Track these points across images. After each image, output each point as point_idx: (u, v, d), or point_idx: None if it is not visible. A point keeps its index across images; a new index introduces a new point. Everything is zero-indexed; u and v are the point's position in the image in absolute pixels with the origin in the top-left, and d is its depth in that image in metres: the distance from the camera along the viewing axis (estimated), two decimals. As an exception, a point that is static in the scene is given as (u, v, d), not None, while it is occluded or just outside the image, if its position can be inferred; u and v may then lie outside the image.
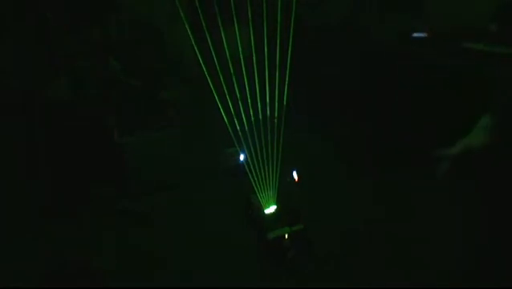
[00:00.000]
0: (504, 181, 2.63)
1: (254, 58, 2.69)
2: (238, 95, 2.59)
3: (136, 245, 2.65)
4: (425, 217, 2.75)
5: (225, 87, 2.54)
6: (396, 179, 3.15)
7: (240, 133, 2.57)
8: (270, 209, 2.58)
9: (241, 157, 2.71)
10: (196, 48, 2.53)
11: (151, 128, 3.51)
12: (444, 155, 2.07)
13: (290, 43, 2.70)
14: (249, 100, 2.59)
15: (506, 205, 2.64)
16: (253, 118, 2.62)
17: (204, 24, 2.60)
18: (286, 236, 2.44)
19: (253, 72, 2.63)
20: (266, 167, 2.58)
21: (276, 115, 2.65)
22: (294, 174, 2.68)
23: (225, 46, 2.65)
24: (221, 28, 2.64)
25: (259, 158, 2.58)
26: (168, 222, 2.87)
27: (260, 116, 2.63)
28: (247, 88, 2.62)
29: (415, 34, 3.34)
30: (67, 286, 2.42)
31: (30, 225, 2.89)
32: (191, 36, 2.53)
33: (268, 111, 2.65)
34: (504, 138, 2.49)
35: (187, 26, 2.52)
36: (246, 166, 2.55)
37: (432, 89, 3.20)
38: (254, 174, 2.56)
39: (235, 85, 2.58)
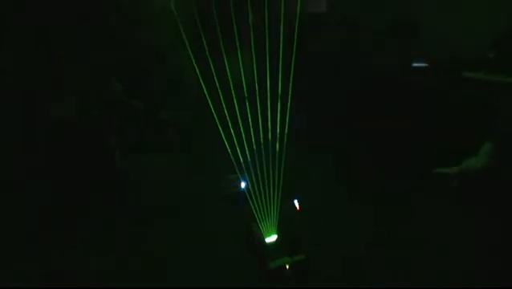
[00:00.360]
0: (503, 203, 2.67)
1: (256, 83, 2.71)
2: (240, 121, 2.60)
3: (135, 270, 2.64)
4: (427, 246, 2.75)
5: (226, 113, 2.56)
6: (397, 204, 3.16)
7: (241, 160, 2.57)
8: (271, 238, 2.57)
9: (243, 185, 2.70)
10: (197, 71, 2.55)
11: (151, 149, 3.52)
12: (445, 174, 2.13)
13: (292, 70, 2.72)
14: (251, 126, 2.61)
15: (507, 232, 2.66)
16: (254, 145, 2.63)
17: (206, 47, 2.63)
18: (287, 266, 2.43)
19: (256, 98, 2.65)
20: (268, 195, 2.58)
21: (277, 142, 2.66)
22: (296, 203, 2.68)
23: (227, 69, 2.67)
24: (223, 51, 2.67)
25: (260, 185, 2.58)
26: (167, 249, 2.85)
27: (261, 143, 2.64)
28: (249, 114, 2.63)
29: (415, 64, 3.37)
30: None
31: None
32: (193, 58, 2.56)
33: (270, 138, 2.67)
34: (503, 163, 2.52)
35: (189, 48, 2.54)
36: (247, 193, 2.54)
37: (432, 117, 3.23)
38: (255, 202, 2.56)
39: (237, 110, 2.60)
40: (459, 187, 2.62)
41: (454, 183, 2.27)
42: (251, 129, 2.62)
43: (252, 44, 2.74)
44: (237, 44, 2.74)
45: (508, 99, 2.95)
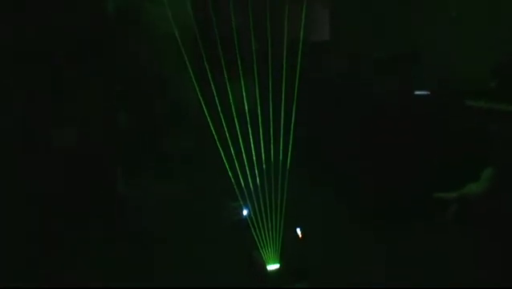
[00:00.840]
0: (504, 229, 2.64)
1: (259, 110, 2.73)
2: (243, 148, 2.61)
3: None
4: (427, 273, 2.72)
5: (229, 140, 2.57)
6: (398, 236, 3.12)
7: (243, 186, 2.57)
8: (273, 266, 2.54)
9: (245, 212, 2.69)
10: (200, 98, 2.57)
11: (153, 175, 3.52)
12: (444, 198, 2.13)
13: (295, 97, 2.74)
14: (253, 153, 2.61)
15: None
16: (257, 172, 2.63)
17: (209, 73, 2.66)
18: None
19: (258, 125, 2.67)
20: (270, 222, 2.56)
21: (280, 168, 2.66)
22: (298, 231, 2.66)
23: (230, 95, 2.69)
24: (226, 77, 2.70)
25: (262, 213, 2.56)
26: (167, 275, 2.80)
27: (264, 170, 2.64)
28: (251, 140, 2.64)
29: (417, 92, 3.40)
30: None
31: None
32: (196, 84, 2.58)
33: (272, 165, 2.67)
34: (503, 187, 2.52)
35: (192, 75, 2.57)
36: (250, 221, 2.53)
37: (434, 143, 3.24)
38: (257, 229, 2.54)
39: (239, 137, 2.61)
40: (458, 212, 2.62)
41: (453, 208, 2.26)
42: (253, 156, 2.62)
43: (255, 70, 2.78)
44: (240, 70, 2.78)
45: (509, 125, 2.96)
